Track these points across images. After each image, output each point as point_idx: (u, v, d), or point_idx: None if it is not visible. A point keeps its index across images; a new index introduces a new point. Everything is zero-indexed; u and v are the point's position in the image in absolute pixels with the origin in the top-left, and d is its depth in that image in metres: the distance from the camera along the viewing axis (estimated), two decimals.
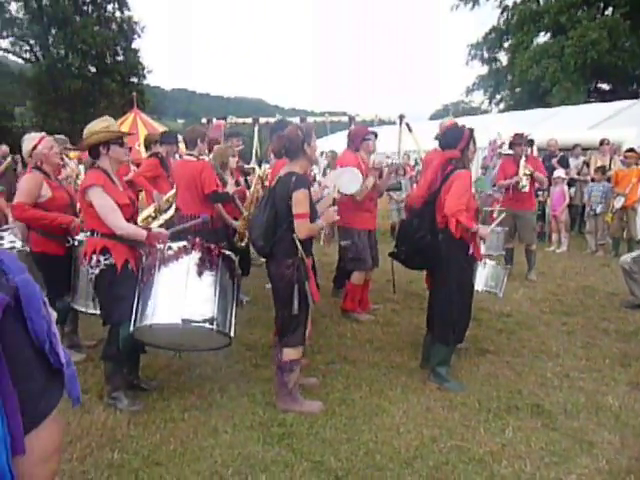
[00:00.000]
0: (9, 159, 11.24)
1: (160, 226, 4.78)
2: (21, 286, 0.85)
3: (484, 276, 4.71)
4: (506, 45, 29.73)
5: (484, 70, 31.45)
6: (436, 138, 4.73)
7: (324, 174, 9.81)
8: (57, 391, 0.89)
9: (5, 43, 28.08)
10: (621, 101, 17.15)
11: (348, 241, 5.24)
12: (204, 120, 12.41)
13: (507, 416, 3.43)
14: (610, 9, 25.69)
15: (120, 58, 29.36)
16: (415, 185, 10.26)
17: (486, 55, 30.78)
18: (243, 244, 5.14)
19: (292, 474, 2.82)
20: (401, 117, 12.01)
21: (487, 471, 2.84)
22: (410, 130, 11.90)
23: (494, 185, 10.15)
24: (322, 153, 9.94)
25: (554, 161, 10.35)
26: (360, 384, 3.87)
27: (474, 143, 3.94)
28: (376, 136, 5.46)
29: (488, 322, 5.30)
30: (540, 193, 9.89)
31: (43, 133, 4.16)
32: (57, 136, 4.93)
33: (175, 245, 3.48)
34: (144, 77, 30.85)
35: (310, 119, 11.95)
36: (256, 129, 12.34)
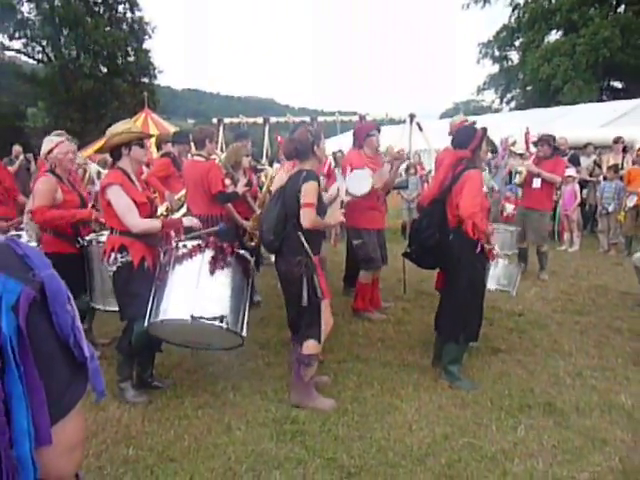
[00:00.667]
0: (21, 157, 11.38)
1: None
2: (47, 281, 0.88)
3: (496, 275, 4.68)
4: (517, 43, 29.55)
5: (495, 69, 31.32)
6: (450, 135, 4.73)
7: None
8: (81, 384, 0.92)
9: (18, 44, 28.34)
10: (634, 99, 17.00)
11: (359, 240, 5.26)
12: (215, 120, 12.46)
13: (519, 414, 3.43)
14: (622, 6, 25.45)
15: (131, 59, 29.53)
16: (426, 184, 10.25)
17: (497, 54, 30.61)
18: (253, 244, 5.17)
19: (305, 471, 2.85)
20: (411, 116, 11.98)
21: (499, 469, 2.85)
22: (421, 129, 11.87)
23: (507, 184, 10.13)
24: (333, 153, 9.95)
25: (565, 159, 10.27)
26: (372, 382, 3.89)
27: (487, 143, 3.93)
28: (379, 130, 5.47)
29: (500, 321, 5.29)
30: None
31: (63, 137, 4.22)
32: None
33: (190, 244, 3.56)
34: (155, 77, 31.03)
35: (320, 119, 11.97)
36: (267, 129, 12.37)
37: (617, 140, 10.16)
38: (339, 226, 6.49)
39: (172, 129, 12.49)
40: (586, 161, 10.70)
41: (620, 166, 9.52)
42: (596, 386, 3.84)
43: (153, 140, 7.94)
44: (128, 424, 3.31)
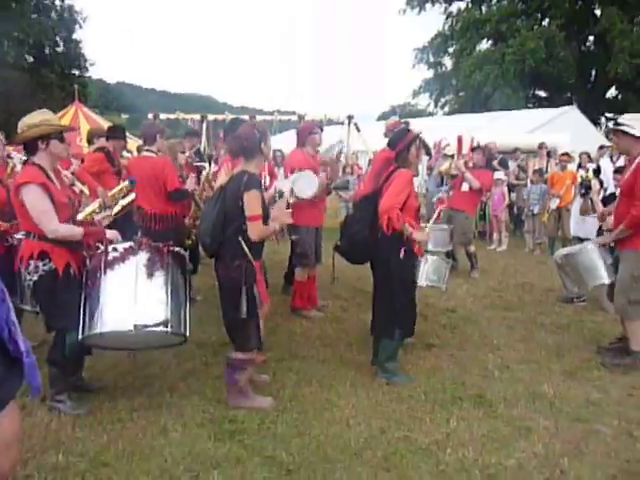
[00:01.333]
0: None
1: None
2: None
3: (426, 271, 4.82)
4: (451, 50, 30.58)
5: (430, 74, 32.25)
6: (385, 136, 4.84)
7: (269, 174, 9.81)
8: (17, 379, 0.89)
9: None
10: (556, 108, 18.04)
11: (297, 236, 5.30)
12: (150, 115, 12.13)
13: (451, 407, 3.57)
14: (547, 20, 26.91)
15: (60, 49, 28.21)
16: (362, 184, 10.44)
17: (432, 59, 31.54)
18: (190, 242, 5.09)
19: (244, 469, 2.84)
20: (349, 117, 12.18)
21: (433, 459, 2.96)
22: (358, 130, 12.09)
23: (438, 186, 10.46)
24: (273, 152, 9.93)
25: (494, 163, 10.76)
26: (310, 380, 3.93)
27: (418, 147, 3.98)
28: (321, 129, 5.54)
29: (433, 317, 5.48)
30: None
31: None
32: None
33: (120, 246, 3.37)
34: (86, 69, 29.84)
35: (260, 117, 11.92)
36: (204, 126, 12.18)
37: (541, 146, 10.74)
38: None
39: (105, 124, 12.04)
40: (513, 165, 11.26)
41: (545, 170, 10.07)
42: (522, 378, 4.06)
43: (85, 134, 7.62)
44: (57, 430, 3.17)
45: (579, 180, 8.51)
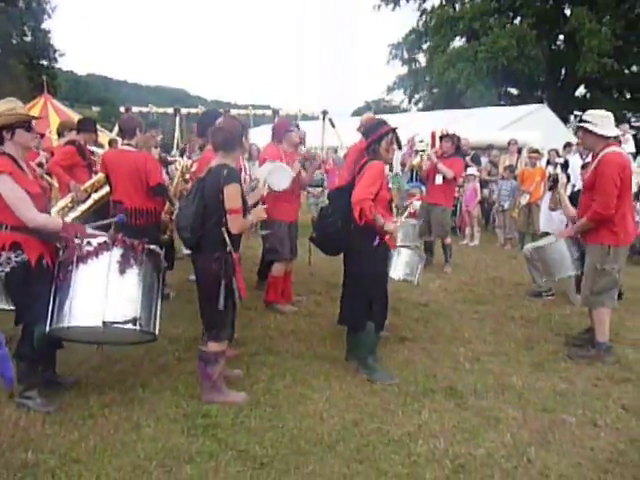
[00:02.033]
0: None
1: (77, 218, 4.60)
2: None
3: (399, 264, 4.87)
4: (425, 47, 30.79)
5: (404, 70, 32.40)
6: (358, 131, 4.86)
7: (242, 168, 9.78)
8: None
9: None
10: (527, 105, 18.36)
11: (268, 231, 5.29)
12: (122, 108, 11.94)
13: (423, 399, 3.63)
14: (519, 19, 27.31)
15: (28, 39, 27.50)
16: (336, 179, 10.47)
17: (406, 55, 31.69)
18: (166, 237, 5.04)
19: (217, 464, 2.84)
20: (324, 112, 12.18)
21: (405, 450, 3.01)
22: (333, 125, 12.10)
23: (408, 181, 10.57)
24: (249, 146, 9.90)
25: (467, 159, 10.92)
26: (284, 374, 3.94)
27: (389, 141, 3.96)
28: (298, 127, 5.53)
29: (406, 311, 5.54)
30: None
31: None
32: None
33: (95, 241, 3.33)
34: (55, 60, 29.19)
35: (234, 111, 11.83)
36: (177, 119, 12.04)
37: (512, 142, 10.93)
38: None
39: (75, 116, 11.80)
40: (486, 161, 11.44)
41: (515, 166, 10.26)
42: (492, 370, 4.15)
43: (54, 127, 7.47)
44: (27, 427, 3.12)
45: (548, 176, 8.72)
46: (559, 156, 10.12)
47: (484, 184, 10.84)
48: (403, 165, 11.54)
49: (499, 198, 9.99)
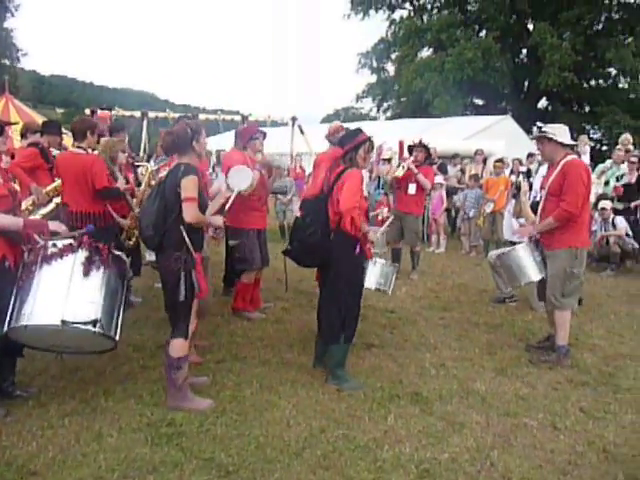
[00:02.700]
0: None
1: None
2: None
3: (375, 274, 4.90)
4: (393, 57, 31.26)
5: (373, 79, 32.84)
6: (326, 139, 4.88)
7: (213, 171, 9.72)
8: None
9: None
10: (492, 116, 18.84)
11: (237, 241, 5.25)
12: (87, 111, 11.71)
13: (389, 404, 3.65)
14: (484, 32, 28.02)
15: None
16: (305, 186, 10.49)
17: (375, 64, 32.13)
18: (131, 242, 4.95)
19: (181, 473, 2.80)
20: (293, 119, 12.23)
21: (370, 456, 3.02)
22: (302, 132, 12.15)
23: (375, 189, 10.67)
24: (217, 152, 9.84)
25: (434, 168, 11.10)
26: (251, 381, 3.92)
27: (366, 150, 3.98)
28: (265, 136, 5.52)
29: (373, 318, 5.58)
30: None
31: None
32: None
33: (60, 243, 3.29)
34: (18, 60, 28.43)
35: (202, 116, 11.77)
36: (145, 123, 11.88)
37: (477, 152, 11.18)
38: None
39: (38, 118, 11.51)
40: (453, 170, 11.66)
41: (480, 175, 10.48)
42: (457, 375, 4.21)
43: (17, 128, 7.26)
44: None
45: (511, 184, 8.94)
46: (522, 165, 10.40)
47: (453, 191, 11.02)
48: (371, 172, 11.65)
49: (464, 206, 10.18)
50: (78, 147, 4.67)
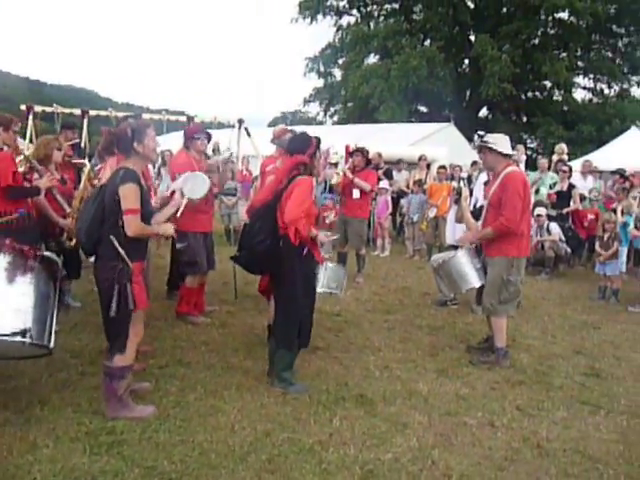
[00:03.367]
0: None
1: None
2: None
3: (326, 278, 4.91)
4: (340, 62, 31.57)
5: (320, 83, 33.02)
6: (272, 142, 4.84)
7: (159, 173, 9.49)
8: None
9: None
10: (436, 123, 19.37)
11: (184, 244, 5.16)
12: (23, 107, 11.19)
13: (335, 407, 3.69)
14: (428, 41, 28.79)
15: None
16: (251, 190, 10.43)
17: (322, 69, 32.32)
18: (72, 243, 4.76)
19: None
20: (240, 121, 12.13)
21: (316, 458, 3.05)
22: (249, 135, 12.07)
23: (322, 192, 10.75)
24: (161, 152, 9.60)
25: (379, 173, 11.29)
26: (195, 386, 3.86)
27: (320, 156, 4.04)
28: (209, 139, 5.46)
29: (319, 321, 5.57)
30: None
31: None
32: None
33: None
34: None
35: (146, 116, 11.46)
36: (85, 121, 11.46)
37: (421, 158, 11.46)
38: None
39: None
40: (398, 175, 11.89)
41: (424, 181, 10.74)
42: (400, 376, 4.30)
43: None
44: None
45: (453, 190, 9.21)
46: (462, 171, 10.75)
47: (402, 196, 11.23)
48: (317, 176, 11.70)
49: (409, 211, 10.41)
50: None
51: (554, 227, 8.69)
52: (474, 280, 5.01)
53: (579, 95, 29.71)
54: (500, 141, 4.65)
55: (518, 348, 5.11)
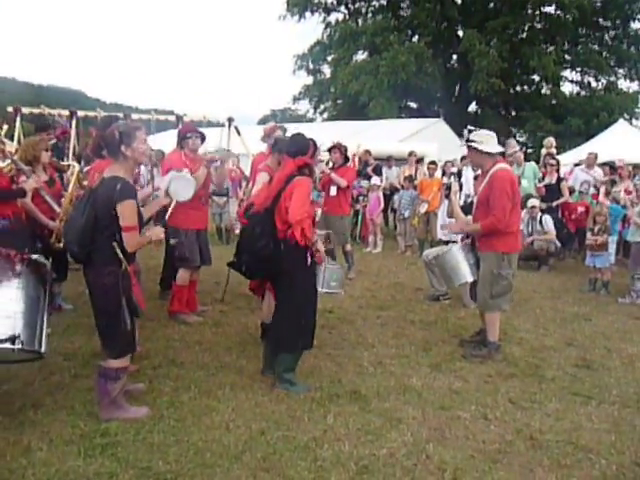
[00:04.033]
0: None
1: None
2: None
3: (326, 278, 4.88)
4: (329, 59, 31.54)
5: (309, 80, 32.98)
6: (263, 140, 4.83)
7: (152, 177, 9.45)
8: None
9: None
10: (425, 119, 19.41)
11: (176, 239, 5.16)
12: (10, 109, 11.09)
13: (329, 404, 3.70)
14: (417, 37, 28.82)
15: None
16: (239, 189, 10.42)
17: (311, 66, 32.29)
18: (61, 245, 4.74)
19: None
20: (229, 120, 12.08)
21: (311, 455, 3.05)
22: (239, 133, 12.04)
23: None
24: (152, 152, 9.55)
25: (369, 169, 11.33)
26: (189, 386, 3.85)
27: (318, 152, 4.05)
28: (203, 139, 5.44)
29: None
30: (361, 199, 10.75)
31: None
32: None
33: None
34: None
35: (135, 116, 11.43)
36: (74, 122, 11.37)
37: (411, 154, 11.49)
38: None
39: None
40: (388, 171, 11.91)
41: (414, 177, 10.77)
42: (394, 372, 4.32)
43: None
44: None
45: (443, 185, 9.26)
46: (453, 166, 10.80)
47: (394, 192, 11.24)
48: None
49: (400, 207, 10.43)
50: None
51: (548, 220, 8.59)
52: (467, 275, 5.04)
53: (567, 89, 29.87)
54: (486, 139, 4.65)
55: (510, 341, 5.14)
